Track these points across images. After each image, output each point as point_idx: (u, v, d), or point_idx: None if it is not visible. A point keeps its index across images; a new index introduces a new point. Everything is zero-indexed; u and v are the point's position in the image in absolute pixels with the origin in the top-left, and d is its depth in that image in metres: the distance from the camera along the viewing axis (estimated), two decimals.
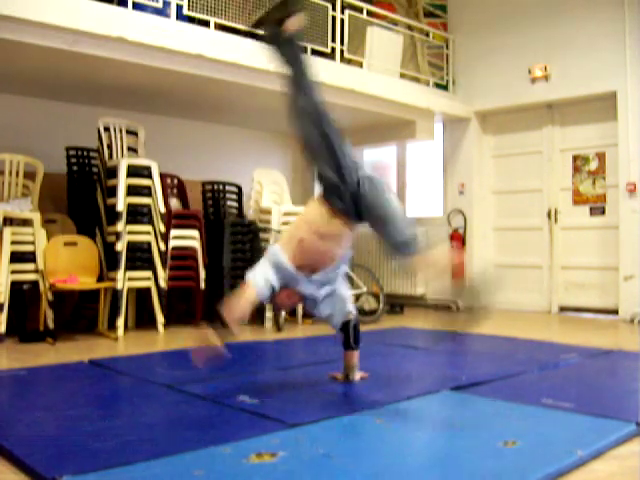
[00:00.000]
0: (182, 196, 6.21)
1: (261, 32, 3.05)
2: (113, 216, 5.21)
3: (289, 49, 2.91)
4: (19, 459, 2.04)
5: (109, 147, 5.59)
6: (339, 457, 2.08)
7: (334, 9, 6.31)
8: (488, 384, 3.22)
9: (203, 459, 2.05)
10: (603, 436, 2.30)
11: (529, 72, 7.14)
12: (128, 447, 2.15)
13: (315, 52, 6.05)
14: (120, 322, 5.06)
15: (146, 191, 5.34)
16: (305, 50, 3.17)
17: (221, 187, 6.38)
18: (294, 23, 2.89)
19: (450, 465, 2.05)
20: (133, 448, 2.15)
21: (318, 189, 2.97)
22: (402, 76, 7.10)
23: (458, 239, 7.52)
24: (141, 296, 5.61)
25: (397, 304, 7.21)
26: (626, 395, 3.04)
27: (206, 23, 5.29)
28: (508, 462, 2.04)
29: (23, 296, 5.11)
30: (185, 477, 1.90)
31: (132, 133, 5.81)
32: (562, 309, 7.08)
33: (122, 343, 4.79)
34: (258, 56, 5.42)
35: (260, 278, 2.84)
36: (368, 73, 6.53)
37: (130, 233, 5.25)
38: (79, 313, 5.58)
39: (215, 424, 2.46)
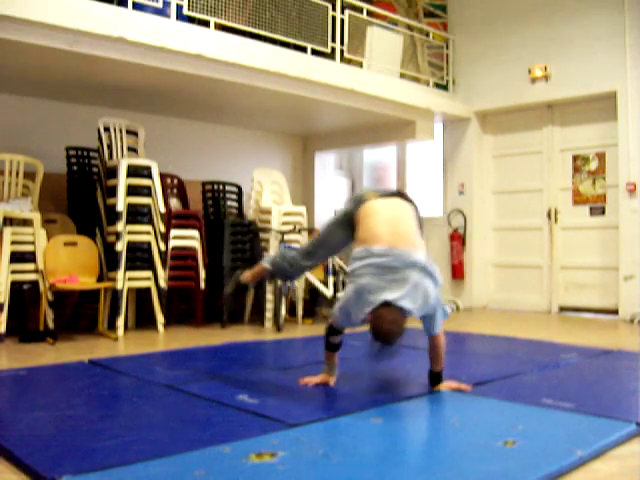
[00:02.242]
0: (182, 196, 6.21)
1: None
2: (113, 216, 5.21)
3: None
4: (19, 459, 2.04)
5: (109, 147, 5.59)
6: (339, 457, 2.08)
7: (334, 9, 6.31)
8: (488, 384, 3.22)
9: (203, 459, 2.05)
10: (603, 436, 2.30)
11: (529, 72, 7.13)
12: (128, 447, 2.16)
13: (315, 52, 6.06)
14: (120, 322, 5.06)
15: (146, 191, 5.34)
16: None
17: (221, 187, 6.37)
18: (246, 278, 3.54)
19: (450, 465, 2.05)
20: (133, 448, 2.15)
21: None
22: (402, 76, 7.09)
23: (458, 239, 7.53)
24: (141, 296, 5.61)
25: None
26: (626, 395, 3.05)
27: (206, 23, 5.29)
28: (508, 462, 2.04)
29: (23, 296, 5.11)
30: (185, 477, 1.90)
31: (132, 133, 5.81)
32: (562, 309, 7.08)
33: (122, 343, 4.79)
34: (258, 56, 5.46)
35: None
36: (368, 73, 6.53)
37: (130, 233, 5.25)
38: (79, 313, 5.58)
39: (215, 424, 2.46)
